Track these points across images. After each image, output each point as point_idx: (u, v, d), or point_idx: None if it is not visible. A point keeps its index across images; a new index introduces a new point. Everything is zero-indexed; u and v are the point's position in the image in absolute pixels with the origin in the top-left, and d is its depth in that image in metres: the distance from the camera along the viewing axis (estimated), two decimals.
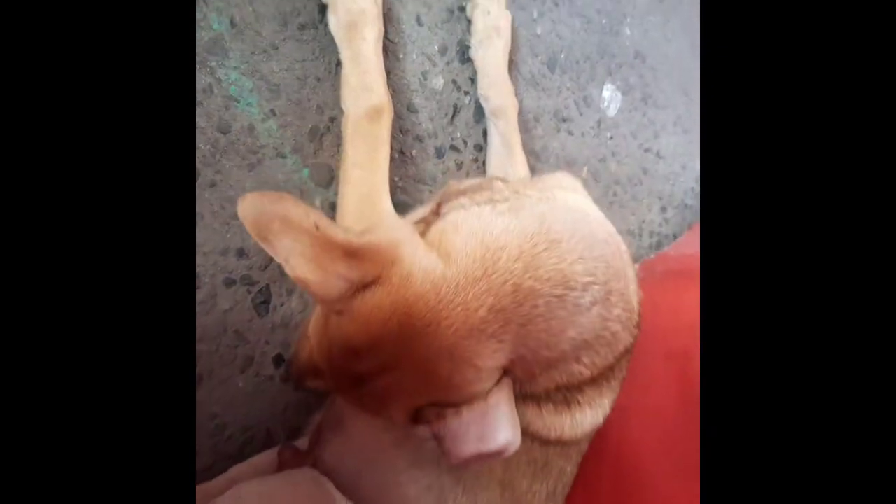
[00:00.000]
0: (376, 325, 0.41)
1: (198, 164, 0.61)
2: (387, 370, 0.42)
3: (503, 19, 0.82)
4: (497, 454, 0.43)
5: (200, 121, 0.61)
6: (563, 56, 1.00)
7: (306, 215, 0.39)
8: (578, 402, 0.54)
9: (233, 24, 0.63)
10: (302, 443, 0.63)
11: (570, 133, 1.01)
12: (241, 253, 0.64)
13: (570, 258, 0.44)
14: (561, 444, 0.56)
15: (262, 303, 0.66)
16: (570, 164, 1.01)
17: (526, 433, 0.55)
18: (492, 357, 0.42)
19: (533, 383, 0.48)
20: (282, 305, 0.67)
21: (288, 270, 0.41)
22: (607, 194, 1.08)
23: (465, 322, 0.41)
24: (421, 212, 0.58)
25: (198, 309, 0.61)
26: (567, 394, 0.52)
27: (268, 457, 0.63)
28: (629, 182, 1.12)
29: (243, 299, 0.64)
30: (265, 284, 0.66)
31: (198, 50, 0.61)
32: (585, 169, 1.03)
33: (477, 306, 0.41)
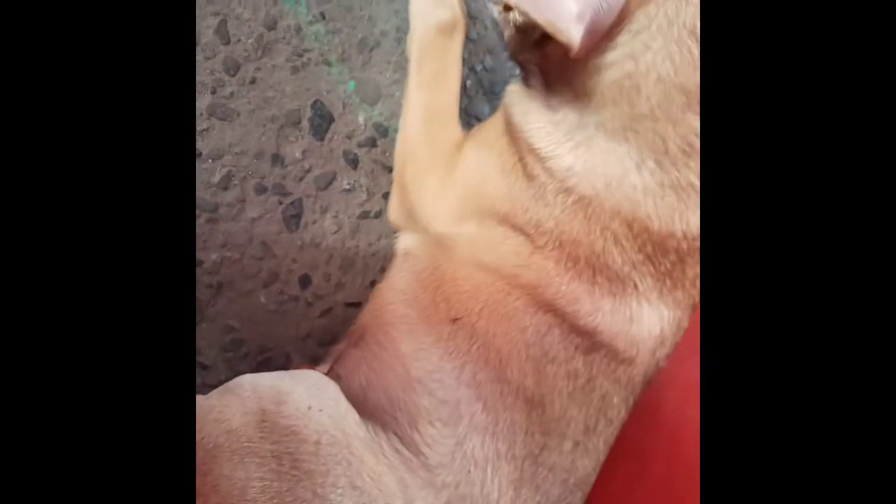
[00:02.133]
0: None
1: (239, 59, 0.58)
2: None
3: None
4: None
5: (246, 12, 0.58)
6: None
7: None
8: (636, 287, 0.48)
9: None
10: (321, 370, 0.57)
11: None
12: (276, 159, 0.60)
13: None
14: (609, 353, 0.49)
15: (293, 216, 0.61)
16: None
17: (566, 317, 0.49)
18: None
19: None
20: (314, 223, 0.62)
21: None
22: None
23: None
24: None
25: (224, 212, 0.57)
26: (626, 275, 0.47)
27: None
28: None
29: (273, 209, 0.60)
30: (298, 198, 0.61)
31: None
32: None
33: None
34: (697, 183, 0.48)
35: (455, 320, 0.52)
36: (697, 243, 0.50)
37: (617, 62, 0.45)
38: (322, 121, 0.63)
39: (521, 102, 0.53)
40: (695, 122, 0.47)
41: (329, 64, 0.63)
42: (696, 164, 0.48)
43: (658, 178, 0.47)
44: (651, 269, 0.48)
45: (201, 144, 0.55)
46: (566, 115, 0.50)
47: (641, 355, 0.49)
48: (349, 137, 0.64)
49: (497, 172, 0.53)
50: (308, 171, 0.62)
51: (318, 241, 0.62)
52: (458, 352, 0.50)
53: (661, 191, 0.48)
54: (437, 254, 0.56)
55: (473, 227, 0.54)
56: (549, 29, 0.42)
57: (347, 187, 0.64)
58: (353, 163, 0.64)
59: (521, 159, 0.52)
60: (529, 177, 0.51)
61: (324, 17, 0.62)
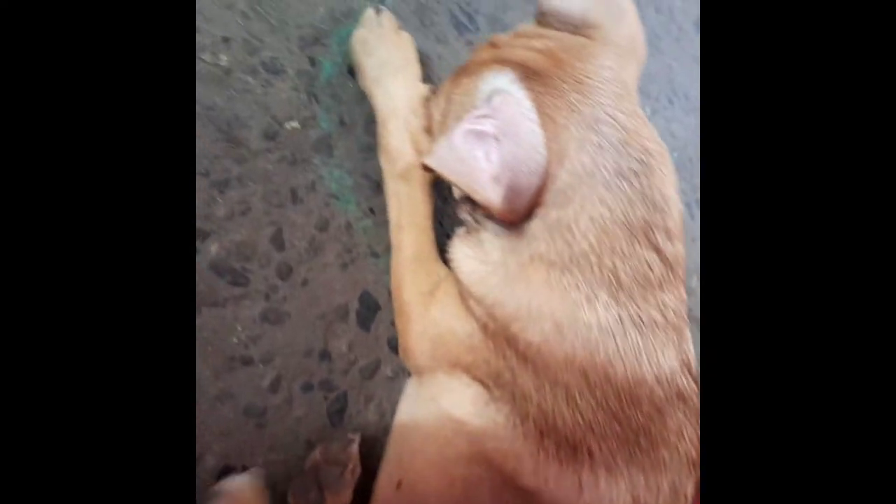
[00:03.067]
0: None
1: (292, 263, 0.60)
2: None
3: None
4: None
5: (299, 218, 0.60)
6: (675, 155, 0.93)
7: None
8: (590, 454, 0.43)
9: (341, 123, 0.63)
10: None
11: None
12: (324, 355, 0.61)
13: None
14: None
15: (338, 411, 0.61)
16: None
17: (503, 472, 0.45)
18: None
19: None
20: (357, 414, 0.62)
21: None
22: None
23: None
24: None
25: (272, 415, 0.57)
26: (578, 441, 0.43)
27: None
28: None
29: (319, 406, 0.60)
30: (343, 391, 0.62)
31: (305, 149, 0.61)
32: (696, 277, 0.94)
33: None
34: (661, 319, 0.44)
35: (399, 485, 0.49)
36: (677, 387, 0.45)
37: (544, 213, 0.45)
38: (369, 312, 0.64)
39: (458, 252, 0.53)
40: (646, 253, 0.44)
41: (376, 255, 0.65)
42: (656, 300, 0.44)
43: (614, 314, 0.43)
44: (617, 428, 0.43)
45: (253, 350, 0.57)
46: (501, 256, 0.48)
47: None
48: (393, 324, 0.65)
49: (459, 324, 0.52)
50: (354, 362, 0.63)
51: (360, 433, 0.62)
52: None
53: (622, 328, 0.43)
54: (405, 420, 0.56)
55: (442, 374, 0.53)
56: (468, 190, 0.43)
57: (391, 374, 0.65)
58: (397, 349, 0.65)
59: (473, 310, 0.50)
60: (484, 328, 0.49)
61: (373, 212, 0.64)
